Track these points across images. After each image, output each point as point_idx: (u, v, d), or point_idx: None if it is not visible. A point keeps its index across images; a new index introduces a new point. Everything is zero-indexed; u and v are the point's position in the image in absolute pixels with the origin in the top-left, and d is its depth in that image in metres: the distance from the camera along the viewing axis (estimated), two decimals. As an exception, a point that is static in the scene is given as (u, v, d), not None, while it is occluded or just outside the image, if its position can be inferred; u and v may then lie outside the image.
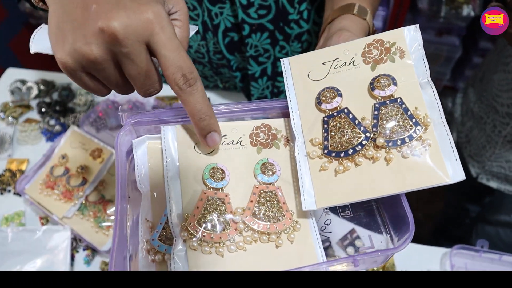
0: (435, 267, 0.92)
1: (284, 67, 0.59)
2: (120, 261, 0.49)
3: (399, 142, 0.52)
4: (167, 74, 0.45)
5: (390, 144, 0.52)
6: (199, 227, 0.49)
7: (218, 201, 0.51)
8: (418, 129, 0.52)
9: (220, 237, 0.49)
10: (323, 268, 0.49)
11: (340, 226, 0.58)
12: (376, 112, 0.54)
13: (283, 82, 1.04)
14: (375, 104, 0.54)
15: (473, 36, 1.90)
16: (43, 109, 1.14)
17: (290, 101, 0.57)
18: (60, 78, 1.24)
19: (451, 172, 0.50)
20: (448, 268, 0.89)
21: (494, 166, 1.06)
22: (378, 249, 0.50)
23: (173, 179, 0.52)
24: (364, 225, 0.56)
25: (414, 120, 0.52)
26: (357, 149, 0.52)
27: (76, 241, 0.94)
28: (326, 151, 0.53)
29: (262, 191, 0.53)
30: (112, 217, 0.95)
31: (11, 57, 1.63)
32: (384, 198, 0.54)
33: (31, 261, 0.91)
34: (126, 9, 0.42)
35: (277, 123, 0.58)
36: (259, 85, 1.02)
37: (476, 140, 1.11)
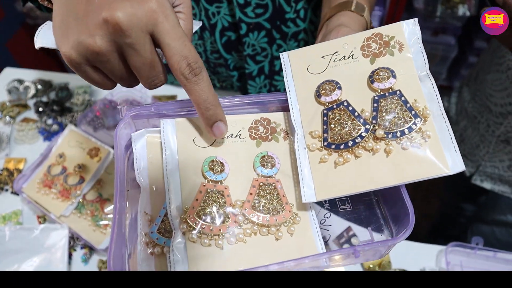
0: (431, 264, 0.91)
1: (284, 61, 0.59)
2: (119, 255, 0.48)
3: (398, 134, 0.51)
4: (171, 63, 0.44)
5: (389, 136, 0.51)
6: (198, 220, 0.48)
7: (217, 194, 0.50)
8: (418, 121, 0.51)
9: (220, 230, 0.48)
10: (323, 259, 0.48)
11: (337, 224, 0.57)
12: (375, 105, 0.53)
13: (281, 80, 1.04)
14: (374, 96, 0.54)
15: (469, 35, 1.91)
16: (40, 109, 1.13)
17: (290, 94, 0.57)
18: (57, 78, 1.23)
19: (450, 163, 0.49)
20: (443, 265, 0.89)
21: (488, 166, 1.05)
22: (378, 241, 0.49)
23: (172, 172, 0.51)
24: (364, 219, 0.55)
25: (413, 112, 0.52)
26: (356, 141, 0.52)
27: (74, 240, 0.93)
28: (325, 143, 0.53)
29: (261, 184, 0.52)
30: (110, 216, 0.94)
31: (8, 57, 1.62)
32: (384, 191, 0.54)
33: (29, 259, 0.90)
34: None
35: (276, 117, 0.58)
36: (257, 83, 1.02)
37: (470, 140, 1.10)
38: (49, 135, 1.11)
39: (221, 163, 0.52)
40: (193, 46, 0.45)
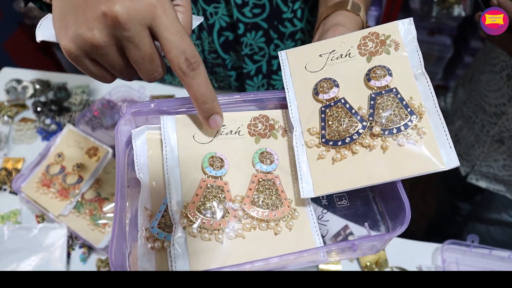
0: (427, 262, 0.92)
1: (282, 59, 0.60)
2: (120, 251, 0.49)
3: (395, 131, 0.52)
4: (169, 57, 0.45)
5: (386, 132, 0.52)
6: (198, 214, 0.49)
7: (217, 189, 0.51)
8: (413, 118, 0.52)
9: (220, 224, 0.49)
10: (321, 252, 0.49)
11: (334, 219, 0.58)
12: (372, 102, 0.54)
13: (278, 80, 1.05)
14: (371, 94, 0.55)
15: (464, 35, 1.92)
16: (38, 108, 1.14)
17: (288, 92, 0.58)
18: (56, 78, 1.23)
19: (445, 159, 0.51)
20: (439, 263, 0.90)
21: (483, 166, 1.07)
22: (375, 235, 0.50)
23: (172, 167, 0.52)
24: (361, 214, 0.56)
25: (409, 109, 0.53)
26: (354, 137, 0.53)
27: (72, 239, 0.94)
28: (323, 140, 0.54)
29: (260, 180, 0.53)
30: (108, 215, 0.94)
31: (6, 57, 1.63)
32: (380, 186, 0.55)
33: (28, 258, 0.90)
34: None
35: (275, 114, 0.59)
36: (254, 83, 1.03)
37: (465, 140, 1.12)
38: (47, 135, 1.11)
39: (221, 159, 0.53)
40: (191, 40, 0.46)
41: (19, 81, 1.19)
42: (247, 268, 0.46)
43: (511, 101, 0.92)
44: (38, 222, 0.97)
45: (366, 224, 0.55)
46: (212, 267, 0.47)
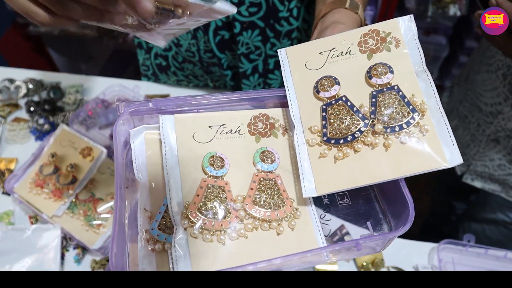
0: (423, 261, 0.92)
1: (282, 58, 0.59)
2: (120, 253, 0.47)
3: (397, 128, 0.51)
4: None
5: (388, 130, 0.51)
6: (200, 215, 0.48)
7: (218, 189, 0.50)
8: (415, 116, 0.52)
9: (221, 225, 0.48)
10: (325, 252, 0.48)
11: (336, 219, 0.57)
12: (373, 100, 0.53)
13: (275, 79, 1.04)
14: (372, 91, 0.54)
15: (460, 35, 1.93)
16: (31, 108, 1.11)
17: (288, 90, 0.57)
18: (49, 77, 1.21)
19: (448, 156, 0.50)
20: (436, 262, 0.89)
21: (479, 165, 1.06)
22: (380, 233, 0.49)
23: (172, 168, 0.51)
24: (363, 213, 0.55)
25: (411, 106, 0.52)
26: (356, 135, 0.52)
27: (66, 240, 0.92)
28: (325, 138, 0.53)
29: (262, 179, 0.52)
30: (103, 215, 0.92)
31: (-2, 56, 1.60)
32: (383, 185, 0.54)
33: (21, 260, 0.88)
34: None
35: (275, 113, 0.58)
36: (251, 82, 1.02)
37: (461, 139, 1.11)
38: (40, 135, 1.09)
39: (221, 158, 0.52)
40: None
41: (11, 81, 1.17)
42: (250, 269, 0.45)
43: (507, 101, 0.92)
44: (32, 223, 0.95)
45: (368, 222, 0.54)
46: (215, 269, 0.46)
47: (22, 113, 1.14)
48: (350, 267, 0.92)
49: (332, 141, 0.52)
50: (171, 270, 0.46)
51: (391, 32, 0.57)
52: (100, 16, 0.44)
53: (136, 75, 1.23)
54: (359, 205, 0.56)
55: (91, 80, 1.22)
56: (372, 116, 0.53)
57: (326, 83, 0.55)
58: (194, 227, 0.47)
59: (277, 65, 1.00)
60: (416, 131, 0.51)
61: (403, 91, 0.53)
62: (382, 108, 0.53)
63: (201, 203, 0.49)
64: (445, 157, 0.50)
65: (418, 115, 0.52)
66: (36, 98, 1.16)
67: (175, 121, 0.53)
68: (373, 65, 0.55)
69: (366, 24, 0.73)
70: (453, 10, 1.72)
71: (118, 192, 0.48)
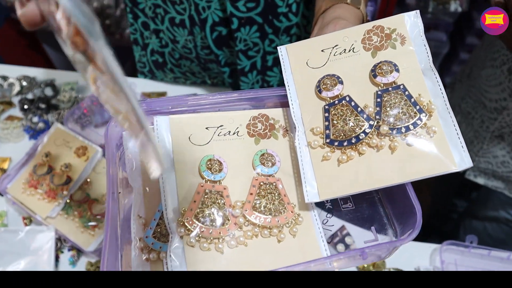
0: (425, 263, 0.89)
1: (282, 55, 0.56)
2: (112, 261, 0.44)
3: (403, 130, 0.49)
4: None
5: (394, 131, 0.49)
6: (196, 222, 0.45)
7: (216, 194, 0.47)
8: (423, 116, 0.49)
9: (219, 232, 0.45)
10: (328, 262, 0.45)
11: (340, 224, 0.55)
12: (378, 99, 0.51)
13: (273, 76, 1.01)
14: (377, 91, 0.51)
15: (461, 32, 1.89)
16: (25, 106, 1.08)
17: (289, 89, 0.54)
18: (43, 74, 1.18)
19: (457, 159, 0.47)
20: (438, 264, 0.87)
21: (482, 162, 1.04)
22: (387, 241, 0.46)
23: (167, 172, 0.48)
24: (367, 218, 0.53)
25: (418, 107, 0.50)
26: (360, 137, 0.49)
27: (61, 242, 0.89)
28: (328, 140, 0.50)
29: (262, 183, 0.49)
30: (98, 217, 0.90)
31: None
32: (388, 188, 0.51)
33: (14, 262, 0.85)
34: None
35: (275, 113, 0.55)
36: (249, 79, 0.99)
37: (464, 136, 1.08)
38: (34, 134, 1.06)
39: (219, 162, 0.49)
40: None
41: (5, 78, 1.13)
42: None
43: (512, 96, 0.89)
44: (26, 224, 0.92)
45: (373, 228, 0.52)
46: (212, 280, 0.43)
47: (16, 111, 1.10)
48: (351, 268, 0.89)
49: (336, 143, 0.50)
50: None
51: (396, 28, 0.54)
52: None
53: (133, 72, 1.20)
54: (363, 209, 0.53)
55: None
56: (377, 117, 0.50)
57: (328, 82, 0.52)
58: (190, 235, 0.44)
59: (276, 62, 0.97)
60: (423, 132, 0.49)
61: (409, 91, 0.50)
62: (388, 109, 0.50)
63: (198, 210, 0.46)
64: (454, 160, 0.47)
65: (425, 116, 0.49)
66: (30, 96, 1.13)
67: (170, 122, 0.50)
68: (378, 63, 0.52)
69: (368, 20, 0.70)
70: (454, 6, 1.69)
71: (110, 199, 0.45)
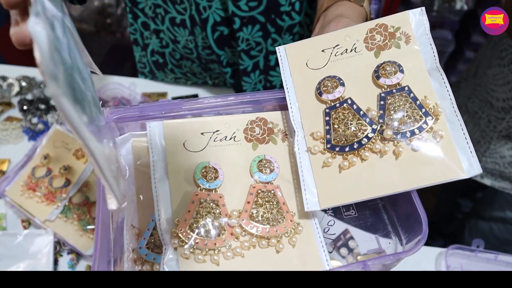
0: (430, 267, 0.87)
1: (280, 56, 0.53)
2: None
3: (408, 134, 0.46)
4: None
5: (398, 136, 0.46)
6: (191, 233, 0.43)
7: (211, 204, 0.45)
8: (429, 120, 0.46)
9: (215, 244, 0.43)
10: (330, 275, 0.43)
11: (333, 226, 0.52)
12: (382, 102, 0.48)
13: (276, 76, 0.99)
14: (380, 93, 0.48)
15: (466, 30, 1.85)
16: (25, 107, 1.06)
17: (288, 92, 0.51)
18: (42, 75, 1.16)
19: (466, 165, 0.44)
20: (443, 268, 0.84)
21: (489, 162, 1.01)
22: (391, 253, 0.44)
23: (161, 180, 0.45)
24: (370, 225, 0.50)
25: (423, 110, 0.47)
26: (363, 142, 0.46)
27: (60, 245, 0.87)
28: (329, 146, 0.47)
29: (259, 191, 0.47)
30: (98, 219, 0.88)
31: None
32: (392, 195, 0.48)
33: (13, 266, 0.84)
34: None
35: (274, 116, 0.52)
36: (252, 79, 0.96)
37: (470, 136, 1.05)
38: (34, 135, 1.04)
39: (215, 169, 0.47)
40: None
41: (4, 78, 1.11)
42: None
43: (520, 95, 0.86)
44: (24, 227, 0.90)
45: (376, 236, 0.49)
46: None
47: (15, 112, 1.09)
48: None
49: (337, 149, 0.47)
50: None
51: (400, 26, 0.51)
52: None
53: (133, 72, 1.17)
54: (366, 216, 0.50)
55: (87, 78, 1.16)
56: (381, 120, 0.47)
57: (329, 84, 0.49)
58: (185, 247, 0.42)
59: (279, 61, 0.95)
60: (430, 137, 0.46)
61: (414, 93, 0.48)
62: (392, 112, 0.47)
63: (193, 220, 0.43)
64: (462, 166, 0.44)
65: (432, 119, 0.46)
66: (29, 97, 1.11)
67: (164, 127, 0.48)
68: (381, 64, 0.49)
69: (371, 18, 0.67)
70: (460, 4, 1.65)
71: (100, 208, 0.43)
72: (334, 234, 0.49)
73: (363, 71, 0.50)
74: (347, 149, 0.47)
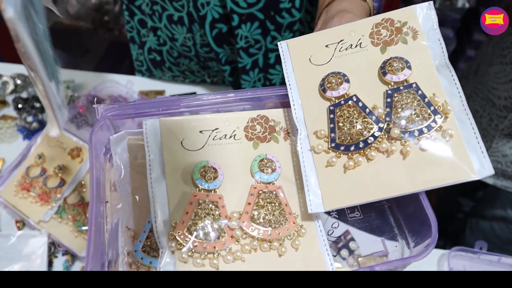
0: (431, 269, 0.85)
1: (282, 51, 0.51)
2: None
3: (416, 133, 0.44)
4: None
5: (406, 135, 0.44)
6: (189, 236, 0.40)
7: (210, 205, 0.42)
8: (438, 118, 0.44)
9: (214, 247, 0.41)
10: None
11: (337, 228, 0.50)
12: (389, 100, 0.45)
13: (276, 74, 0.96)
14: (387, 90, 0.46)
15: (468, 28, 1.84)
16: (19, 105, 1.04)
17: (290, 88, 0.49)
18: (38, 73, 1.13)
19: (477, 166, 0.42)
20: (446, 270, 0.82)
21: (491, 161, 0.99)
22: (399, 259, 0.41)
23: (157, 180, 0.43)
24: (376, 228, 0.48)
25: (432, 108, 0.44)
26: (369, 141, 0.44)
27: (55, 246, 0.84)
28: (333, 145, 0.45)
29: (261, 192, 0.44)
30: (94, 220, 0.85)
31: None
32: (399, 196, 0.46)
33: (6, 268, 0.81)
34: None
35: (275, 114, 0.50)
36: (251, 77, 0.94)
37: None
38: (29, 134, 1.02)
39: (214, 169, 0.44)
40: None
41: (-2, 76, 1.09)
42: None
43: (522, 93, 0.84)
44: (19, 228, 0.87)
45: (382, 239, 0.47)
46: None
47: (10, 111, 1.06)
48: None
49: (342, 148, 0.45)
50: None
51: (407, 21, 0.49)
52: None
53: (131, 70, 1.15)
54: (371, 218, 0.48)
55: (83, 75, 1.14)
56: (387, 118, 0.45)
57: (333, 81, 0.47)
58: (182, 250, 0.40)
59: (279, 59, 0.92)
60: (439, 136, 0.44)
61: (422, 90, 0.45)
62: (399, 110, 0.45)
63: (191, 222, 0.41)
64: (473, 167, 0.42)
65: (441, 118, 0.44)
66: (24, 95, 1.08)
67: (160, 125, 0.45)
68: (388, 60, 0.47)
69: (374, 14, 0.65)
70: (461, 2, 1.64)
71: (93, 210, 0.40)
72: (339, 236, 0.46)
73: (368, 67, 0.48)
74: (352, 148, 0.44)
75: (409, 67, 0.46)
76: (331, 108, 0.46)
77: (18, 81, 1.09)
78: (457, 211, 1.28)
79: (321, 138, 0.46)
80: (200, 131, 0.46)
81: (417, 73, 0.46)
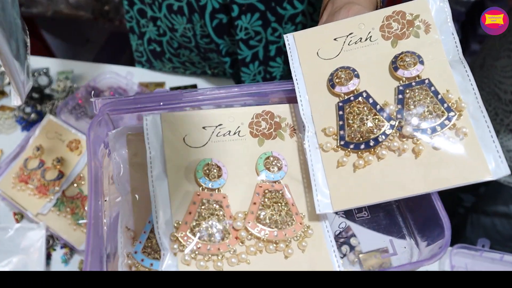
0: (433, 267, 0.83)
1: (289, 44, 0.48)
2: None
3: (429, 131, 0.41)
4: None
5: (418, 133, 0.41)
6: (192, 237, 0.38)
7: (214, 204, 0.40)
8: (451, 116, 0.42)
9: (219, 248, 0.38)
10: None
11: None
12: (400, 96, 0.43)
13: (276, 67, 0.93)
14: (398, 86, 0.43)
15: (472, 22, 1.80)
16: (17, 96, 1.00)
17: (297, 83, 0.46)
18: (37, 62, 1.10)
19: (492, 166, 0.40)
20: (447, 268, 0.80)
21: None
22: (408, 262, 0.39)
23: (159, 178, 0.40)
24: (384, 228, 0.45)
25: (445, 105, 0.42)
26: (380, 139, 0.41)
27: (53, 239, 0.82)
28: (342, 143, 0.42)
29: (266, 191, 0.42)
30: (93, 213, 0.82)
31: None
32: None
33: (4, 261, 0.79)
34: None
35: (281, 110, 0.47)
36: (250, 70, 0.91)
37: None
38: (27, 125, 0.99)
39: (218, 166, 0.42)
40: None
41: (-4, 66, 1.05)
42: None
43: (529, 89, 0.82)
44: (17, 220, 0.85)
45: (390, 239, 0.44)
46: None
47: (8, 101, 1.03)
48: (356, 268, 0.83)
49: (351, 146, 0.42)
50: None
51: (419, 14, 0.46)
52: None
53: (131, 61, 1.12)
54: (379, 219, 0.46)
55: (82, 66, 1.10)
56: (399, 116, 0.42)
57: (343, 76, 0.44)
58: (185, 252, 0.37)
59: (279, 52, 0.89)
60: (452, 134, 0.41)
61: (435, 86, 0.43)
62: (411, 107, 0.42)
63: (194, 223, 0.38)
64: (488, 167, 0.40)
65: (454, 115, 0.41)
66: (22, 85, 1.05)
67: (162, 121, 0.42)
68: (399, 54, 0.44)
69: (381, 6, 0.62)
70: (466, -5, 1.60)
71: (92, 207, 0.38)
72: (346, 238, 0.44)
73: (379, 62, 0.45)
74: (362, 146, 0.42)
75: (422, 62, 0.44)
76: (340, 104, 0.44)
77: (16, 71, 1.05)
78: (458, 206, 1.26)
79: (330, 135, 0.43)
80: (203, 127, 0.43)
81: (429, 68, 0.44)
